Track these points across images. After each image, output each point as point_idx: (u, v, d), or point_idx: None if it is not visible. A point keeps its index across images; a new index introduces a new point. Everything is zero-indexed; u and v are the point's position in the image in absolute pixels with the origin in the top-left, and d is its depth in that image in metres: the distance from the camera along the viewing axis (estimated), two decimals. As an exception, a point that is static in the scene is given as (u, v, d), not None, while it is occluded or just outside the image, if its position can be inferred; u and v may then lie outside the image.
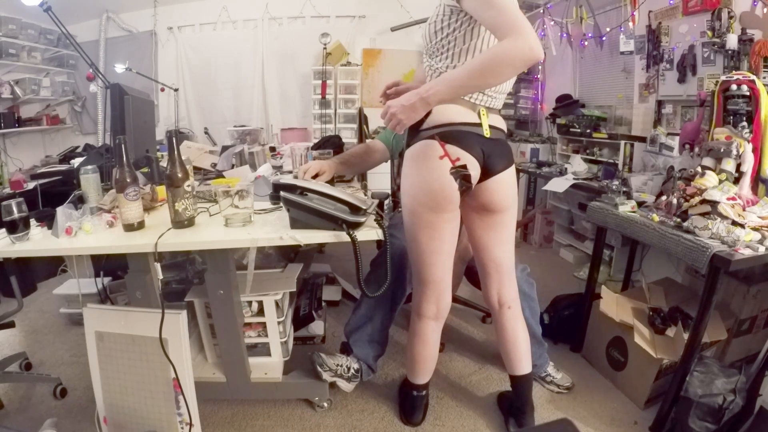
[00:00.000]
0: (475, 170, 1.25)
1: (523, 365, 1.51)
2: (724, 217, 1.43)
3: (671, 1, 2.30)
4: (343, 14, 4.31)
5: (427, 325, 1.46)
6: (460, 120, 1.23)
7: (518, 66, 1.05)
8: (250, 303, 1.65)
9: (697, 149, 1.83)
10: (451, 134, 1.23)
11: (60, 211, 1.21)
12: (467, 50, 1.18)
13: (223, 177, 2.02)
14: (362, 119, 3.02)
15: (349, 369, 1.65)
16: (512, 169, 1.34)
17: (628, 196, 1.90)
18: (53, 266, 2.77)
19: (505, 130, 1.35)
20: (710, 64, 2.11)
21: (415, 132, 1.28)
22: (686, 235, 1.44)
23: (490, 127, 1.26)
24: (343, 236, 1.17)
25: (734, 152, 1.60)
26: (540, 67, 3.69)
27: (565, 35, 3.17)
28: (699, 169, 1.67)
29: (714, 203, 1.47)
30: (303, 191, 1.21)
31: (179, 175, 1.20)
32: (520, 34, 1.00)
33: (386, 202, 2.18)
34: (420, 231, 1.32)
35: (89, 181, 1.39)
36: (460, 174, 1.23)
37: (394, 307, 1.68)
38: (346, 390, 1.66)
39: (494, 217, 1.38)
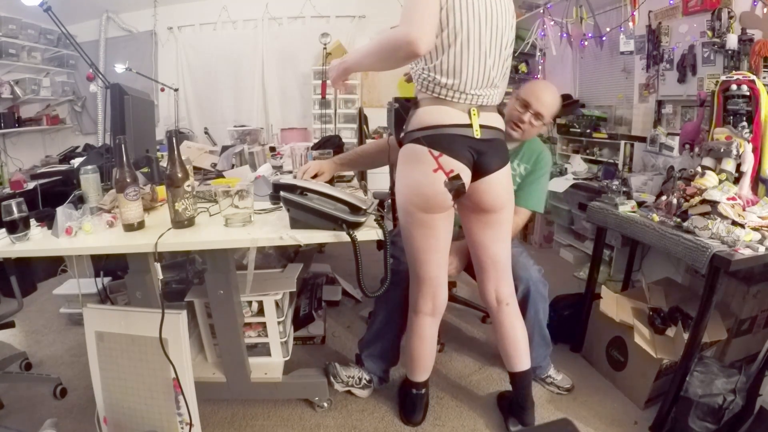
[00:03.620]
0: (465, 176, 1.24)
1: (523, 362, 1.51)
2: (724, 217, 1.43)
3: (671, 1, 2.30)
4: (343, 14, 4.31)
5: (423, 321, 1.47)
6: (448, 122, 1.21)
7: (398, 55, 1.11)
8: (250, 303, 1.65)
9: (697, 149, 1.83)
10: (438, 139, 1.21)
11: (60, 211, 1.21)
12: (433, 49, 1.19)
13: (223, 177, 2.02)
14: (362, 119, 3.03)
15: (360, 380, 1.71)
16: (506, 169, 1.32)
17: (628, 196, 1.90)
18: (53, 266, 2.77)
19: (502, 127, 1.32)
20: (710, 64, 2.11)
21: (400, 130, 1.29)
22: (686, 235, 1.44)
23: (483, 126, 1.24)
24: (343, 236, 1.17)
25: (734, 152, 1.60)
26: (540, 67, 3.69)
27: (565, 35, 3.16)
28: (699, 169, 1.67)
29: (714, 203, 1.47)
30: (303, 191, 1.21)
31: (179, 175, 1.20)
32: (405, 23, 1.08)
33: (386, 203, 2.18)
34: (414, 229, 1.33)
35: (89, 181, 1.39)
36: (455, 186, 1.23)
37: (404, 326, 1.69)
38: (362, 396, 1.73)
39: (489, 216, 1.37)
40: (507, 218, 1.40)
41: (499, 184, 1.31)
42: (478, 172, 1.26)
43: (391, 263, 1.36)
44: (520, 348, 1.51)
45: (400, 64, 1.18)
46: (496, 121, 1.30)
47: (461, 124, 1.22)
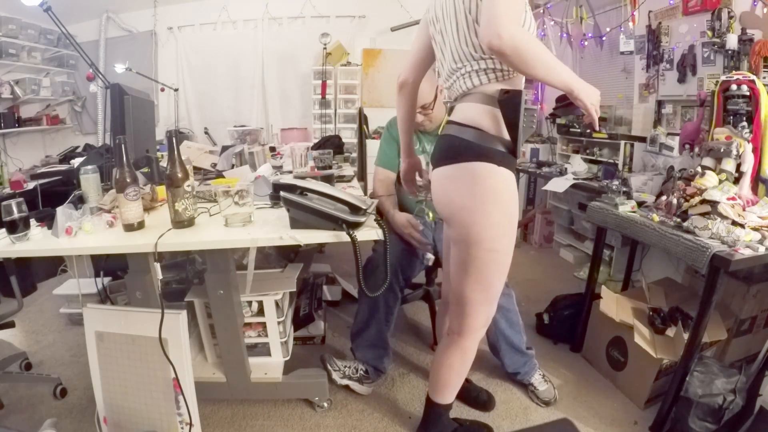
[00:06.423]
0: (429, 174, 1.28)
1: (434, 391, 1.40)
2: (724, 217, 1.43)
3: (671, 1, 2.30)
4: (343, 14, 4.32)
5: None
6: None
7: None
8: (250, 303, 1.65)
9: (697, 149, 1.83)
10: None
11: (60, 211, 1.21)
12: None
13: (223, 177, 2.02)
14: (362, 119, 3.03)
15: (356, 371, 1.72)
16: (443, 170, 1.15)
17: (628, 196, 1.90)
18: (53, 266, 2.76)
19: (466, 122, 1.11)
20: (710, 64, 2.11)
21: None
22: (686, 235, 1.44)
23: (448, 122, 1.20)
24: (343, 236, 1.17)
25: (734, 152, 1.60)
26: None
27: (565, 35, 3.17)
28: (699, 169, 1.67)
29: (714, 203, 1.47)
30: (303, 191, 1.21)
31: (179, 175, 1.20)
32: None
33: None
34: None
35: (89, 181, 1.39)
36: None
37: (388, 316, 1.70)
38: (363, 392, 1.72)
39: (449, 232, 1.24)
40: (462, 245, 1.16)
41: (436, 183, 1.20)
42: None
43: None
44: (434, 379, 1.39)
45: None
46: (461, 115, 1.14)
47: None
